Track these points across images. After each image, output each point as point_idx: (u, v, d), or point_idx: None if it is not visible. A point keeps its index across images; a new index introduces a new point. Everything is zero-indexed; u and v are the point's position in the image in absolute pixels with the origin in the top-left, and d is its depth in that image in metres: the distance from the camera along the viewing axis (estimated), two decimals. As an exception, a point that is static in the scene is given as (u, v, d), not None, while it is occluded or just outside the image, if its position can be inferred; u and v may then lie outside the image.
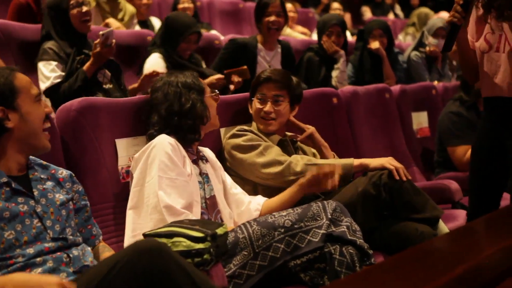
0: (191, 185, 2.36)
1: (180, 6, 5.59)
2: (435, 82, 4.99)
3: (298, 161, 2.68)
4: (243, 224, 2.26)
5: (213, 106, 2.60)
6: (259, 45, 4.17)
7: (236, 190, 2.64)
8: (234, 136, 2.79)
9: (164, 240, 1.97)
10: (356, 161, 2.69)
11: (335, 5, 7.71)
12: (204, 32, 5.33)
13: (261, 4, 4.18)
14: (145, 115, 2.54)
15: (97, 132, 2.47)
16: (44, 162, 2.09)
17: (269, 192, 2.74)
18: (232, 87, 3.89)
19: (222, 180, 2.61)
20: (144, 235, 2.04)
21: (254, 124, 2.93)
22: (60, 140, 2.38)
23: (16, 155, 1.96)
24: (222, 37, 5.18)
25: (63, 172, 2.11)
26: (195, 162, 2.49)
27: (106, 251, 2.14)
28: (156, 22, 5.72)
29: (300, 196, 2.57)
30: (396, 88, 4.24)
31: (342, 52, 4.44)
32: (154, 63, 3.81)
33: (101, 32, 3.31)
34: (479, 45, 2.65)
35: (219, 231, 2.04)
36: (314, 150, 3.05)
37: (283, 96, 2.88)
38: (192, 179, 2.39)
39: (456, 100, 3.98)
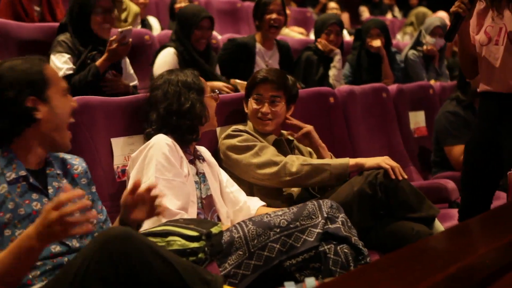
0: (188, 186, 2.36)
1: (177, 5, 5.57)
2: (432, 81, 4.99)
3: (293, 161, 2.68)
4: (239, 223, 2.25)
5: (212, 106, 2.59)
6: (258, 45, 4.17)
7: (232, 188, 2.63)
8: (229, 136, 2.79)
9: (158, 239, 1.98)
10: (351, 161, 2.68)
11: (332, 4, 7.71)
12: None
13: (262, 2, 4.18)
14: (143, 113, 2.53)
15: (93, 131, 2.46)
16: (61, 155, 2.03)
17: (264, 192, 2.74)
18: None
19: (218, 178, 2.61)
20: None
21: (249, 123, 2.92)
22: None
23: (37, 149, 1.89)
24: (219, 37, 5.17)
25: (79, 168, 2.04)
26: (192, 162, 2.49)
27: None
28: (154, 22, 5.71)
29: None
30: (393, 87, 4.23)
31: (337, 50, 4.45)
32: (166, 59, 3.74)
33: (120, 30, 3.30)
34: (479, 38, 2.65)
35: (214, 230, 2.04)
36: (310, 149, 3.05)
37: (280, 96, 2.87)
38: (189, 179, 2.39)
39: (453, 100, 3.98)
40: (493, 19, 2.62)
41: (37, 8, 4.22)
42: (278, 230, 2.20)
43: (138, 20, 5.28)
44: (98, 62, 3.29)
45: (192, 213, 2.33)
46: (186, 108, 2.44)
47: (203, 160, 2.56)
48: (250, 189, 2.76)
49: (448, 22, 5.51)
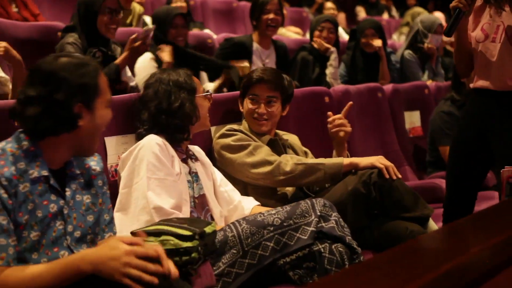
0: (180, 184, 2.35)
1: (173, 5, 5.57)
2: (429, 81, 4.99)
3: (287, 160, 2.68)
4: (232, 223, 2.25)
5: (204, 106, 2.58)
6: (255, 44, 4.17)
7: (226, 187, 2.63)
8: (223, 136, 2.78)
9: (152, 238, 1.96)
10: (346, 160, 2.68)
11: (329, 4, 7.72)
12: (197, 31, 5.33)
13: (259, 2, 4.18)
14: (136, 112, 2.53)
15: (86, 130, 2.45)
16: None
17: (259, 192, 2.74)
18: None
19: (212, 177, 2.60)
20: (132, 233, 2.03)
21: (244, 123, 2.92)
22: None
23: (65, 151, 1.84)
24: (215, 36, 5.17)
25: (97, 168, 1.96)
26: (184, 161, 2.48)
27: None
28: (150, 21, 5.71)
29: None
30: (388, 87, 4.24)
31: (333, 49, 4.45)
32: (144, 65, 3.72)
33: (144, 28, 3.30)
34: (475, 34, 2.65)
35: (208, 229, 2.03)
36: (305, 149, 3.05)
37: (276, 97, 2.87)
38: (181, 178, 2.38)
39: (447, 100, 3.99)
40: (491, 16, 2.61)
41: (15, 9, 4.22)
42: (272, 228, 2.20)
43: (142, 20, 5.28)
44: (118, 61, 3.30)
45: (186, 212, 2.33)
46: (176, 107, 2.44)
47: (196, 159, 2.56)
48: (245, 189, 2.76)
49: (444, 23, 5.53)
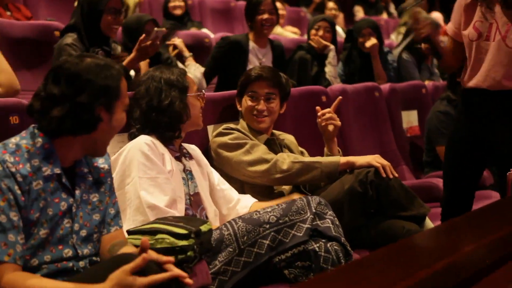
0: (174, 182, 2.35)
1: (171, 4, 5.59)
2: (427, 82, 4.99)
3: (284, 159, 2.68)
4: (228, 221, 2.26)
5: (196, 105, 2.57)
6: (251, 43, 4.17)
7: (224, 186, 2.63)
8: (220, 134, 2.78)
9: (147, 237, 1.96)
10: (342, 159, 2.68)
11: (330, 4, 7.71)
12: (195, 30, 5.33)
13: (252, 3, 4.18)
14: (129, 110, 2.52)
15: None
16: None
17: (256, 190, 2.74)
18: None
19: (208, 178, 2.60)
20: (128, 231, 2.03)
21: (241, 122, 2.92)
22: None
23: (78, 151, 1.84)
24: (212, 36, 5.17)
25: (105, 166, 1.97)
26: (178, 158, 2.48)
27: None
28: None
29: None
30: (385, 86, 4.24)
31: (332, 47, 4.45)
32: None
33: (156, 29, 3.29)
34: (467, 33, 2.64)
35: (203, 228, 2.03)
36: (302, 149, 3.05)
37: (274, 94, 2.88)
38: (174, 175, 2.38)
39: (444, 99, 3.99)
40: (483, 14, 2.60)
41: (8, 13, 4.23)
42: (267, 226, 2.20)
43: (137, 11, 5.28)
44: (125, 62, 3.29)
45: (181, 209, 2.33)
46: (165, 104, 2.43)
47: (190, 157, 2.55)
48: (241, 187, 2.76)
49: (442, 23, 5.53)
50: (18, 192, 1.71)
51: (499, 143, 2.61)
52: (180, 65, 4.08)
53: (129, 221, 2.24)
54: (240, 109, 2.94)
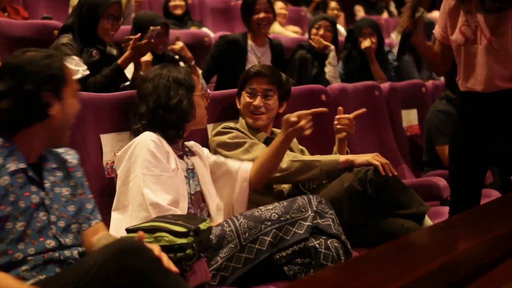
0: (177, 180, 2.35)
1: (172, 3, 5.59)
2: (430, 81, 4.97)
3: (283, 158, 2.67)
4: (230, 218, 2.27)
5: (202, 105, 2.57)
6: (250, 42, 4.17)
7: (222, 159, 2.64)
8: (219, 133, 2.78)
9: (146, 235, 1.96)
10: (342, 157, 2.68)
11: (333, 4, 7.70)
12: (195, 29, 5.33)
13: (247, 2, 4.18)
14: (133, 106, 2.52)
15: (81, 127, 2.45)
16: (55, 149, 2.02)
17: (255, 189, 2.73)
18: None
19: (212, 164, 2.60)
20: (127, 230, 2.03)
21: (241, 120, 2.92)
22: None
23: (39, 143, 1.90)
24: (212, 35, 5.17)
25: (73, 161, 2.04)
26: (181, 157, 2.48)
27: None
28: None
29: (286, 145, 2.54)
30: (385, 85, 4.23)
31: (332, 47, 4.45)
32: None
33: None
34: (455, 38, 2.63)
35: (202, 226, 2.03)
36: (302, 147, 3.05)
37: (273, 91, 2.88)
38: (178, 174, 2.38)
39: (443, 99, 3.98)
40: (466, 18, 2.59)
41: (5, 14, 4.23)
42: (269, 223, 2.21)
43: (132, 15, 5.26)
44: (120, 60, 3.29)
45: (183, 208, 2.33)
46: (174, 103, 2.43)
47: (192, 154, 2.56)
48: (241, 186, 2.75)
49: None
50: None
51: (497, 144, 2.61)
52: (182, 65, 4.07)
53: (131, 217, 2.24)
54: (239, 107, 2.94)
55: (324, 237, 2.22)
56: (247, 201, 2.58)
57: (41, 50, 1.92)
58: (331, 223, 2.26)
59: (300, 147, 3.04)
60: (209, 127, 2.91)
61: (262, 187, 2.75)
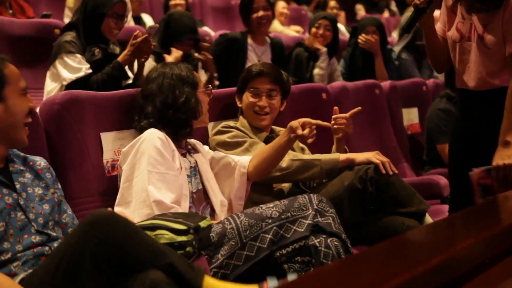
0: (181, 179, 2.35)
1: (172, 2, 5.58)
2: (431, 80, 4.97)
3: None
4: (231, 216, 2.27)
5: (205, 102, 2.58)
6: (250, 40, 4.17)
7: (221, 154, 2.64)
8: (219, 132, 2.78)
9: (147, 232, 1.97)
10: (342, 156, 2.68)
11: (332, 3, 7.70)
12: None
13: (246, 1, 4.18)
14: (137, 106, 2.52)
15: (82, 126, 2.45)
16: (22, 154, 2.07)
17: (255, 188, 2.73)
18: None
19: (210, 159, 2.60)
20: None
21: (241, 119, 2.92)
22: (44, 133, 2.36)
23: None
24: (213, 33, 5.17)
25: (41, 163, 2.08)
26: (184, 155, 2.49)
27: None
28: (148, 19, 5.71)
29: (290, 145, 2.53)
30: (386, 84, 4.23)
31: (323, 50, 4.45)
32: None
33: (150, 25, 3.28)
34: (451, 34, 2.63)
35: (203, 224, 2.04)
36: (302, 145, 3.04)
37: (276, 90, 2.88)
38: (181, 173, 2.38)
39: (443, 97, 3.98)
40: (463, 15, 2.60)
41: (10, 11, 4.23)
42: (270, 221, 2.21)
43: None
44: (120, 58, 3.29)
45: (185, 207, 2.33)
46: (181, 101, 2.43)
47: (195, 151, 2.56)
48: (241, 184, 2.75)
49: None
50: None
51: (493, 142, 2.61)
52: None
53: (134, 214, 2.24)
54: (240, 105, 2.93)
55: (324, 236, 2.22)
56: (245, 196, 2.59)
57: None
58: (332, 222, 2.26)
59: (301, 145, 3.04)
60: (209, 125, 2.91)
61: (262, 186, 2.76)
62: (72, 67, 3.28)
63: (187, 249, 1.95)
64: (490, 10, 2.48)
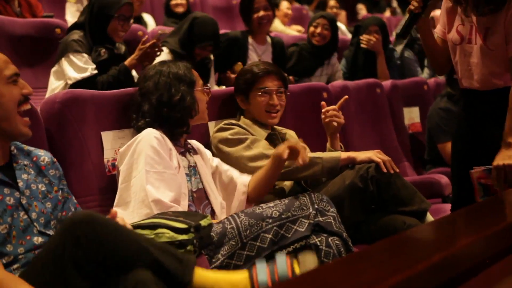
0: (179, 178, 2.35)
1: (173, 2, 5.59)
2: (432, 79, 4.97)
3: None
4: (231, 215, 2.26)
5: (203, 100, 2.58)
6: (250, 39, 4.17)
7: (225, 167, 2.65)
8: (221, 129, 2.78)
9: (147, 231, 1.97)
10: (343, 154, 2.68)
11: (332, 3, 7.71)
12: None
13: (246, 1, 4.18)
14: (135, 104, 2.52)
15: (82, 125, 2.45)
16: (26, 147, 2.00)
17: (256, 186, 2.74)
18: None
19: (214, 168, 2.60)
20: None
21: (242, 118, 2.92)
22: (45, 132, 2.36)
23: None
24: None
25: (45, 159, 2.01)
26: (182, 154, 2.48)
27: None
28: (149, 19, 5.71)
29: (280, 167, 2.53)
30: (387, 83, 4.23)
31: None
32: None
33: (159, 31, 3.30)
34: (451, 36, 2.64)
35: (203, 222, 2.04)
36: (303, 144, 3.04)
37: (282, 87, 2.91)
38: (180, 171, 2.38)
39: (444, 96, 3.98)
40: (462, 17, 2.60)
41: (17, 9, 4.23)
42: (270, 220, 2.20)
43: None
44: (127, 62, 3.31)
45: (184, 206, 2.33)
46: (176, 100, 2.44)
47: (195, 152, 2.56)
48: (242, 183, 2.75)
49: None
50: None
51: (496, 141, 2.61)
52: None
53: (132, 214, 2.24)
54: (244, 107, 2.93)
55: (325, 235, 2.22)
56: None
57: None
58: (332, 221, 2.26)
59: (302, 144, 3.03)
60: (210, 124, 2.91)
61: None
62: (78, 66, 3.29)
63: (188, 247, 1.95)
64: (498, 11, 2.48)
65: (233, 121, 2.84)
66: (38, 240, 1.87)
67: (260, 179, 2.56)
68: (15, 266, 1.80)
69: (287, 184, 2.82)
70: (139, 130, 2.42)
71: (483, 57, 2.54)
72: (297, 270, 1.83)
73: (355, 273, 1.25)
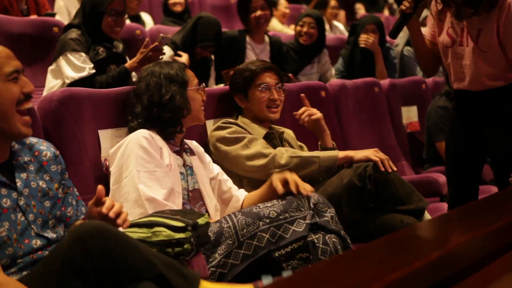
0: (172, 176, 2.35)
1: (171, 1, 5.57)
2: (430, 78, 4.96)
3: (282, 153, 2.67)
4: (228, 215, 2.25)
5: (197, 99, 2.57)
6: (248, 38, 4.17)
7: (224, 176, 2.64)
8: (218, 128, 2.78)
9: (144, 229, 1.96)
10: (341, 153, 2.68)
11: (332, 2, 7.70)
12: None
13: (243, 1, 4.18)
14: (129, 105, 2.53)
15: (80, 123, 2.45)
16: (28, 140, 1.93)
17: (254, 185, 2.73)
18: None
19: (214, 175, 2.60)
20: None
21: (240, 118, 2.92)
22: (42, 130, 2.36)
23: None
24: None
25: (47, 154, 1.95)
26: (178, 153, 2.48)
27: None
28: (147, 18, 5.70)
29: (275, 195, 2.44)
30: (385, 82, 4.23)
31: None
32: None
33: (161, 35, 3.31)
34: (442, 39, 2.65)
35: (200, 221, 2.03)
36: (301, 143, 3.04)
37: (281, 82, 2.92)
38: (172, 169, 2.38)
39: (443, 95, 3.98)
40: (452, 20, 2.60)
41: (24, 6, 4.22)
42: (267, 220, 2.19)
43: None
44: (128, 64, 3.31)
45: (178, 204, 2.33)
46: (166, 99, 2.44)
47: (192, 153, 2.55)
48: (240, 181, 2.75)
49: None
50: None
51: (490, 141, 2.62)
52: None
53: None
54: (243, 106, 2.92)
55: (322, 232, 2.22)
56: None
57: None
58: (330, 220, 2.25)
59: (299, 143, 3.04)
60: (209, 123, 2.91)
61: (261, 183, 2.75)
62: (76, 65, 3.28)
63: (185, 246, 1.94)
64: (480, 14, 2.49)
65: (231, 120, 2.84)
66: (36, 243, 1.83)
67: (254, 201, 2.51)
68: (12, 270, 1.77)
69: (285, 182, 2.82)
70: (131, 131, 2.43)
71: (476, 58, 2.55)
72: None
73: (352, 270, 1.25)
